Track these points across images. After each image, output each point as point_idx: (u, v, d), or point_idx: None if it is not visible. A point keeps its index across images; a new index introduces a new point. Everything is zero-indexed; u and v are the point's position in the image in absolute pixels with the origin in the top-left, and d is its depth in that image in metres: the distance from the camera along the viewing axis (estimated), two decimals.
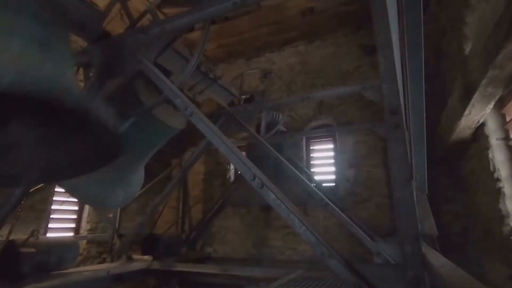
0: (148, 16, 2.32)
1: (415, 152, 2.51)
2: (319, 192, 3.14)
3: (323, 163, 4.99)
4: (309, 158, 5.03)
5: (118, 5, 2.50)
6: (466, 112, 2.39)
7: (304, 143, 5.01)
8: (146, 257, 3.45)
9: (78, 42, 4.42)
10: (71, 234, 4.17)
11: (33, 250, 2.23)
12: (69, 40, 1.49)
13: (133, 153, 2.69)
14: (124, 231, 3.77)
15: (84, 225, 4.29)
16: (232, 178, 5.38)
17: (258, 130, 4.18)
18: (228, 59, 5.92)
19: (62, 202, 4.05)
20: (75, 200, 4.30)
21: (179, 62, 2.36)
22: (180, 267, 3.27)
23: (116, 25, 3.46)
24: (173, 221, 4.92)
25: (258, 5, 4.48)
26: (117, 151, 1.33)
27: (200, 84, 2.71)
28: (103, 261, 4.01)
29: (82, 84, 2.54)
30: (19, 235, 2.35)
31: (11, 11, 1.12)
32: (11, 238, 2.25)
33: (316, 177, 4.62)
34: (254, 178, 1.45)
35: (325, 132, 4.79)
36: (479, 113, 2.39)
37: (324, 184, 4.56)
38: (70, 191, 2.53)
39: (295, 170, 3.25)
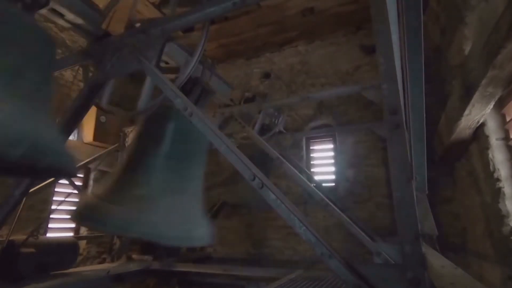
0: (146, 15, 2.31)
1: (415, 152, 2.51)
2: (319, 192, 3.14)
3: (323, 163, 4.99)
4: (309, 158, 5.03)
5: (118, 6, 2.50)
6: (466, 112, 2.39)
7: (304, 143, 5.01)
8: (146, 257, 3.45)
9: (78, 42, 4.43)
10: (71, 234, 4.17)
11: (33, 250, 2.23)
12: (51, 68, 1.49)
13: (192, 166, 2.25)
14: None
15: None
16: None
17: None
18: (228, 59, 5.92)
19: (61, 202, 4.05)
20: (75, 200, 4.30)
21: (183, 57, 2.34)
22: (180, 267, 3.27)
23: (116, 26, 3.47)
24: None
25: (258, 5, 4.48)
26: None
27: (204, 75, 2.67)
28: (103, 261, 4.01)
29: (81, 85, 2.54)
30: (19, 235, 2.35)
31: None
32: (11, 238, 2.25)
33: (316, 177, 4.62)
34: (254, 178, 1.45)
35: (325, 132, 4.79)
36: (479, 113, 2.39)
37: (324, 184, 4.56)
38: (157, 238, 1.96)
39: (295, 170, 3.25)
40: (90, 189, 4.51)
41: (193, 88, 2.29)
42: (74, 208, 2.01)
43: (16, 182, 2.13)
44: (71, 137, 2.69)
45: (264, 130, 4.13)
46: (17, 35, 1.30)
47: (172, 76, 2.23)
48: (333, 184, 4.62)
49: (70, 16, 2.03)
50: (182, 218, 2.04)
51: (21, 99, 1.21)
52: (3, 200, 2.09)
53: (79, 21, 2.11)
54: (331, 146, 4.93)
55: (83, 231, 4.27)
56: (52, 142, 1.30)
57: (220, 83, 2.99)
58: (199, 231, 2.09)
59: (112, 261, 3.36)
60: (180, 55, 2.28)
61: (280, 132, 4.50)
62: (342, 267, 1.17)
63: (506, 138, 2.42)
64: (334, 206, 2.97)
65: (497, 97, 2.17)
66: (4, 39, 1.22)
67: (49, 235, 3.77)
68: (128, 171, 2.15)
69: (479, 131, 2.62)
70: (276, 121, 4.36)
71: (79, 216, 1.99)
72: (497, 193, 2.37)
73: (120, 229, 1.93)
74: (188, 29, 4.78)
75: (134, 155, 2.21)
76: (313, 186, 3.51)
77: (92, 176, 4.57)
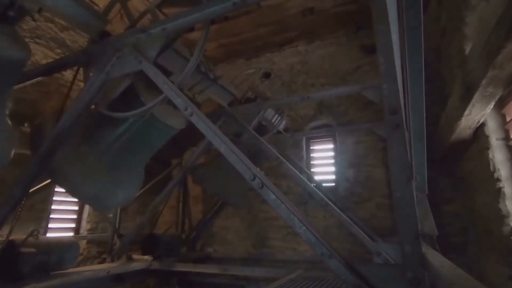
0: (148, 16, 2.32)
1: (415, 152, 2.51)
2: (319, 192, 3.14)
3: (323, 163, 4.98)
4: (309, 158, 5.03)
5: (118, 6, 2.50)
6: (466, 112, 2.39)
7: (304, 143, 5.01)
8: (146, 257, 3.45)
9: (78, 42, 4.43)
10: (71, 234, 4.17)
11: (33, 250, 2.23)
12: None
13: (133, 153, 2.70)
14: (124, 231, 3.77)
15: (84, 225, 4.28)
16: None
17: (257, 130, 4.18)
18: (228, 59, 5.92)
19: (62, 202, 4.05)
20: (75, 200, 4.30)
21: (179, 62, 2.36)
22: (180, 267, 3.27)
23: (116, 26, 3.47)
24: (173, 221, 4.92)
25: (258, 5, 4.47)
26: None
27: (200, 84, 2.71)
28: (103, 261, 4.00)
29: (81, 85, 2.55)
30: (19, 235, 2.35)
31: None
32: (11, 238, 2.25)
33: (316, 177, 4.62)
34: (254, 178, 1.45)
35: (325, 132, 4.79)
36: (479, 113, 2.39)
37: (324, 184, 4.56)
38: (70, 191, 2.52)
39: (295, 170, 3.25)
40: None
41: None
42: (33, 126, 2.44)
43: (16, 181, 2.13)
44: None
45: (262, 130, 4.13)
46: None
47: None
48: (333, 184, 4.62)
49: (71, 15, 2.04)
50: (108, 189, 2.56)
51: None
52: (3, 200, 2.09)
53: (79, 21, 2.11)
54: (331, 146, 4.93)
55: (83, 231, 4.27)
56: None
57: (220, 90, 3.02)
58: (112, 202, 2.70)
59: (112, 261, 3.36)
60: (176, 59, 2.29)
61: (279, 132, 4.50)
62: (342, 267, 1.17)
63: (506, 138, 2.42)
64: (334, 206, 2.97)
65: (497, 97, 2.17)
66: None
67: (49, 235, 3.76)
68: (88, 131, 2.54)
69: (479, 131, 2.62)
70: (276, 122, 4.35)
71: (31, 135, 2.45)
72: (497, 193, 2.37)
73: (52, 175, 2.41)
74: (188, 29, 4.78)
75: (98, 123, 2.56)
76: (313, 186, 3.51)
77: None
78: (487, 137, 2.49)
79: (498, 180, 2.38)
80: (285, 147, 4.54)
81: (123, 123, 2.49)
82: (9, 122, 2.15)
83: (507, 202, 2.30)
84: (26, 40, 3.56)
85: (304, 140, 4.99)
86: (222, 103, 3.37)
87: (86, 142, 2.51)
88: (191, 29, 4.82)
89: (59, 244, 2.51)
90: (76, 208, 4.30)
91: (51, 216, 3.83)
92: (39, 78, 2.64)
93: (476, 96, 2.16)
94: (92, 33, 2.31)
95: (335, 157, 4.79)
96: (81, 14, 2.08)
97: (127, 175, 2.72)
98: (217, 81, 2.90)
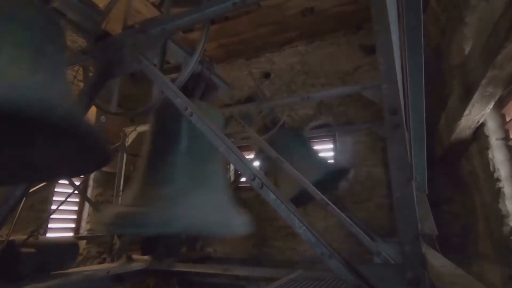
0: (146, 15, 2.31)
1: (415, 152, 2.51)
2: (319, 192, 3.13)
3: None
4: None
5: (118, 5, 2.50)
6: (466, 112, 2.39)
7: None
8: (146, 257, 3.45)
9: (78, 42, 4.42)
10: (71, 234, 4.17)
11: (33, 250, 2.23)
12: (64, 46, 1.58)
13: (209, 160, 2.26)
14: None
15: (84, 225, 4.29)
16: (232, 178, 5.38)
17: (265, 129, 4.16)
18: (228, 59, 5.92)
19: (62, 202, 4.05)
20: (75, 200, 4.30)
21: (183, 57, 2.34)
22: (180, 267, 3.27)
23: (116, 26, 3.47)
24: None
25: (258, 5, 4.48)
26: (106, 158, 1.48)
27: (203, 71, 2.66)
28: (103, 261, 4.01)
29: (81, 85, 2.55)
30: (19, 235, 2.35)
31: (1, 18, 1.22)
32: (11, 238, 2.25)
33: None
34: (254, 178, 1.45)
35: (325, 132, 4.78)
36: (479, 113, 2.39)
37: None
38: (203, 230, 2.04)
39: (295, 170, 3.25)
40: (90, 190, 4.51)
41: (197, 85, 2.30)
42: (100, 222, 1.99)
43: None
44: None
45: (268, 129, 4.12)
46: (38, 19, 1.47)
47: (174, 75, 2.23)
48: None
49: (70, 15, 2.03)
50: (216, 210, 2.05)
51: (46, 72, 1.33)
52: (3, 200, 2.09)
53: (79, 21, 2.10)
54: (331, 146, 4.93)
55: (83, 231, 4.27)
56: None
57: (218, 82, 2.98)
58: (235, 221, 2.08)
59: (112, 261, 3.36)
60: (180, 55, 2.28)
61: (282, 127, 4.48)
62: (342, 267, 1.17)
63: (506, 138, 2.43)
64: (334, 206, 2.97)
65: (497, 97, 2.18)
66: (29, 21, 1.39)
67: (49, 235, 3.77)
68: (150, 173, 2.15)
69: (479, 131, 2.62)
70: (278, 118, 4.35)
71: (113, 227, 1.94)
72: (497, 193, 2.37)
73: (161, 228, 1.91)
74: (188, 29, 4.78)
75: (153, 155, 2.21)
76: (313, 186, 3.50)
77: (92, 176, 4.57)
78: (487, 137, 2.49)
79: (498, 180, 2.38)
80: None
81: (179, 132, 2.17)
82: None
83: (507, 202, 2.30)
84: None
85: None
86: (220, 97, 3.33)
87: (163, 181, 2.09)
88: (191, 29, 4.82)
89: (59, 244, 2.51)
90: (76, 208, 4.30)
91: (51, 216, 3.83)
92: None
93: (476, 96, 2.16)
94: (92, 32, 2.30)
95: (335, 157, 4.79)
96: (83, 11, 2.07)
97: (222, 188, 2.27)
98: (212, 69, 2.84)
